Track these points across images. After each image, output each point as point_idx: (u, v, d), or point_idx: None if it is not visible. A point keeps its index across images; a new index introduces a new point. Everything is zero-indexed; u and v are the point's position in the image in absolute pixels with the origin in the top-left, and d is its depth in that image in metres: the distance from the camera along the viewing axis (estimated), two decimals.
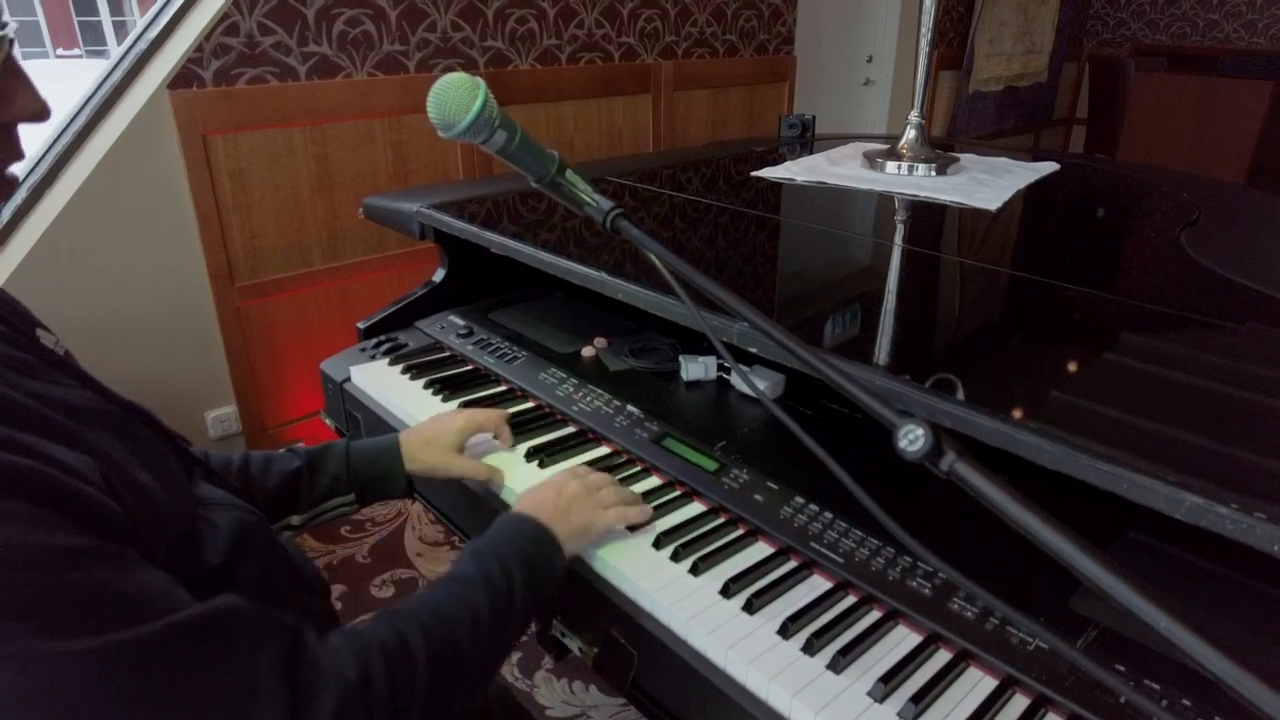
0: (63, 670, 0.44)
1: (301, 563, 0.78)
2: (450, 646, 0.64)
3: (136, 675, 0.47)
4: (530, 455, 0.99)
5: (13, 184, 0.59)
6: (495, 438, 1.01)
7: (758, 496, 0.88)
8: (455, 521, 1.10)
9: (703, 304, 0.75)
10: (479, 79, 0.63)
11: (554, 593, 0.78)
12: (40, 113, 0.56)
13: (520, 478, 0.96)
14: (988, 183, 1.57)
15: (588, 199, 0.69)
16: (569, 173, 0.70)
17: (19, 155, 0.58)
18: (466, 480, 0.97)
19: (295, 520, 0.91)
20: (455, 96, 0.63)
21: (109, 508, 0.50)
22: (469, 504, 1.02)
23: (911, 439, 0.41)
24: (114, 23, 17.41)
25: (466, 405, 1.10)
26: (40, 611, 0.44)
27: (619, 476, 0.94)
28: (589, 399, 1.08)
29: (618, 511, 0.84)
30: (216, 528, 0.66)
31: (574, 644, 0.85)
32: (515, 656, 1.73)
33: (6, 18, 0.54)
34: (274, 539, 0.74)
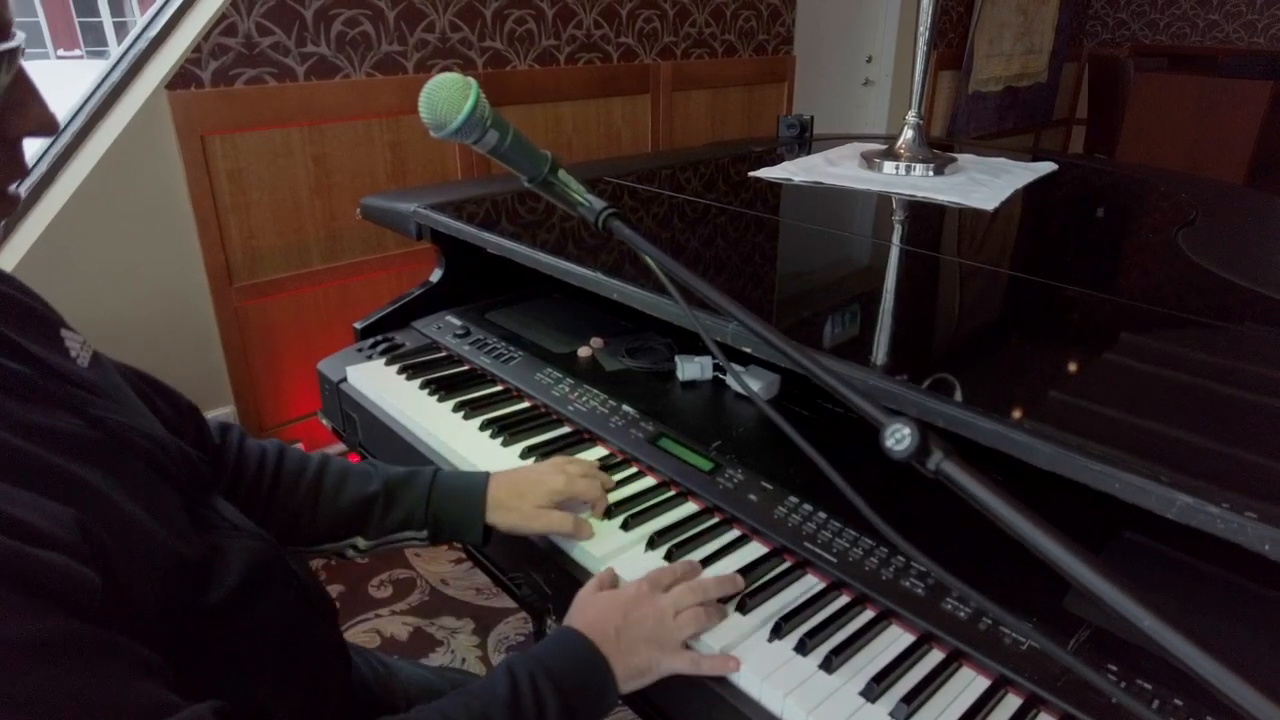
0: None
1: (314, 591, 0.75)
2: None
3: None
4: (526, 454, 0.99)
5: (14, 201, 0.56)
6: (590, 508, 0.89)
7: (752, 497, 0.88)
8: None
9: (696, 304, 0.75)
10: (470, 79, 0.64)
11: None
12: (49, 126, 0.54)
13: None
14: (985, 183, 1.57)
15: (580, 199, 0.69)
16: (562, 172, 0.70)
17: (24, 172, 0.56)
18: (549, 534, 0.87)
19: (360, 544, 0.86)
20: (446, 96, 0.63)
21: (82, 579, 0.46)
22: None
23: (898, 438, 0.41)
24: (115, 24, 17.43)
25: (463, 405, 1.10)
26: (7, 714, 0.41)
27: (615, 477, 0.95)
28: (585, 399, 1.08)
29: (690, 658, 0.70)
30: (228, 558, 0.62)
31: None
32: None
33: (15, 29, 0.51)
34: (288, 568, 0.70)
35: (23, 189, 0.57)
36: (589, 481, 0.88)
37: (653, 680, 0.71)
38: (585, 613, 0.73)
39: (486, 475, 0.89)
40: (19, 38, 0.52)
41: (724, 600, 0.75)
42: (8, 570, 0.43)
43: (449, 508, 0.86)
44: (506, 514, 0.86)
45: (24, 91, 0.53)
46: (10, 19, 0.51)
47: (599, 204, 0.68)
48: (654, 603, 0.72)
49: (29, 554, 0.44)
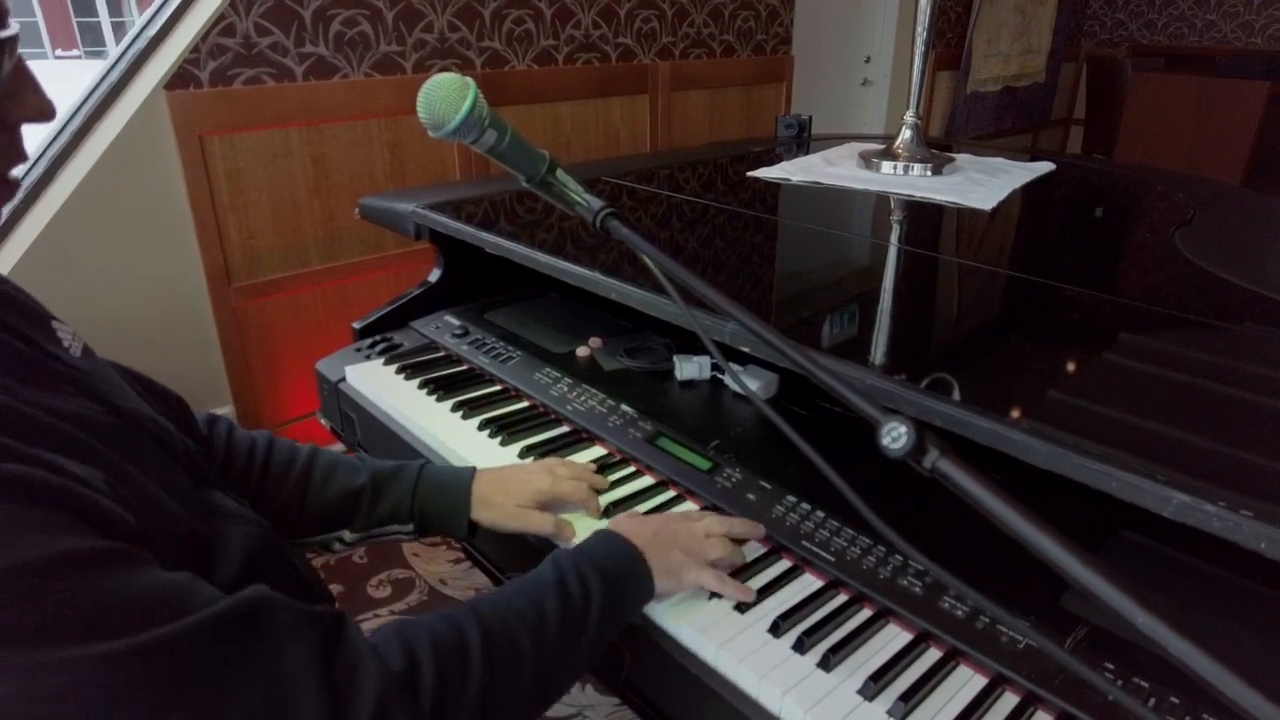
0: (99, 672, 0.44)
1: (310, 579, 0.76)
2: (510, 651, 0.60)
3: (172, 673, 0.46)
4: (524, 454, 0.99)
5: (15, 186, 0.58)
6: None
7: (750, 496, 0.88)
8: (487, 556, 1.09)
9: (694, 303, 0.75)
10: (468, 79, 0.64)
11: (631, 618, 0.73)
12: (45, 112, 0.56)
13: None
14: (983, 182, 1.57)
15: (578, 199, 0.69)
16: (560, 172, 0.70)
17: (22, 157, 0.58)
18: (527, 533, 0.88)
19: (347, 536, 0.87)
20: (444, 96, 0.63)
21: (122, 517, 0.50)
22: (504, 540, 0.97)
23: (894, 436, 0.41)
24: (113, 24, 17.42)
25: (462, 404, 1.10)
26: (70, 617, 0.44)
27: (612, 476, 0.95)
28: (583, 398, 1.08)
29: (717, 574, 0.75)
30: (228, 541, 0.64)
31: None
32: None
33: (11, 20, 0.53)
34: (285, 555, 0.72)
35: (26, 180, 0.58)
36: (576, 484, 0.88)
37: (681, 588, 0.75)
38: (622, 523, 0.79)
39: (473, 470, 0.90)
40: (14, 27, 0.53)
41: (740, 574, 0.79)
42: (60, 498, 0.47)
43: (435, 501, 0.88)
44: (490, 510, 0.87)
45: (21, 79, 0.54)
46: (6, 8, 0.53)
47: (597, 203, 0.68)
48: (687, 523, 0.79)
49: (78, 490, 0.48)
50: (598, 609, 0.67)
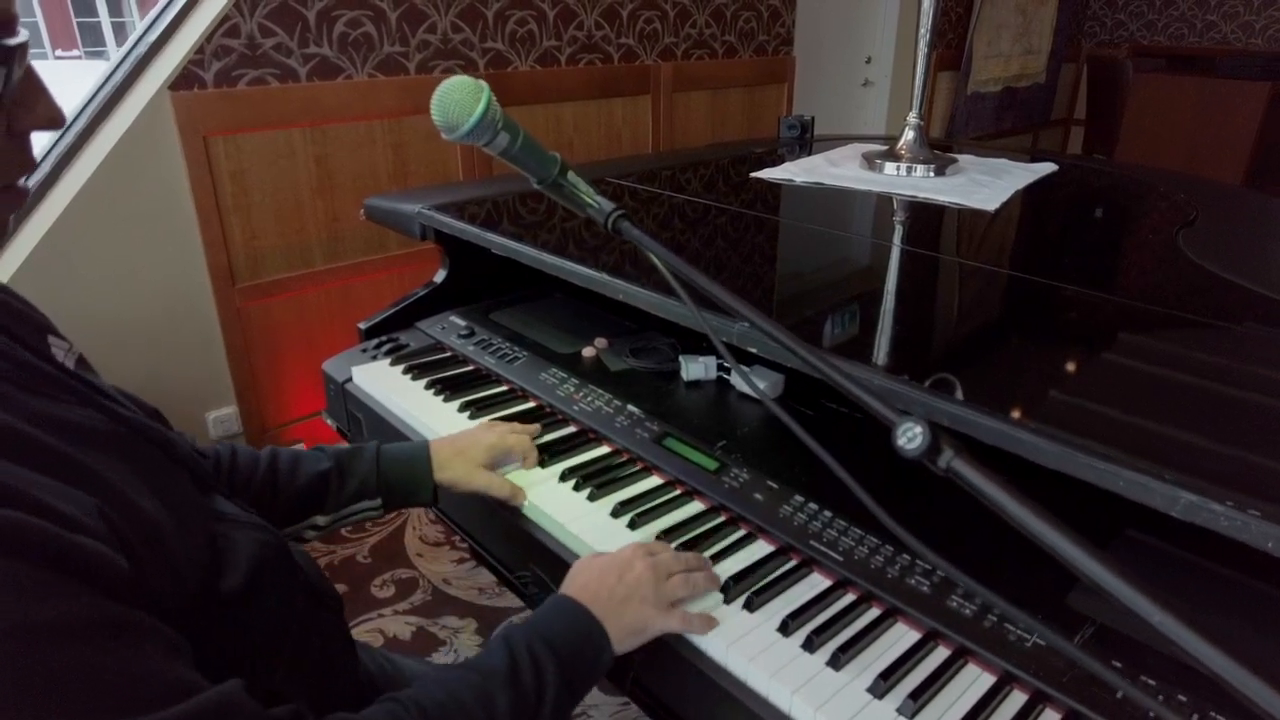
0: None
1: (318, 581, 0.76)
2: None
3: None
4: None
5: (24, 194, 0.57)
6: (521, 461, 0.98)
7: (758, 495, 0.88)
8: (470, 533, 1.10)
9: (703, 304, 0.76)
10: (482, 82, 0.64)
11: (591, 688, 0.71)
12: (55, 120, 0.55)
13: (519, 474, 0.96)
14: (986, 183, 1.57)
15: (589, 200, 0.70)
16: (571, 174, 0.70)
17: (32, 165, 0.57)
18: (489, 496, 0.93)
19: (320, 520, 0.90)
20: (459, 99, 0.63)
21: (109, 561, 0.47)
22: (487, 518, 1.01)
23: (910, 437, 0.42)
24: (113, 24, 17.41)
25: (469, 405, 1.11)
26: (40, 691, 0.42)
27: (619, 475, 0.95)
28: (589, 399, 1.09)
29: (682, 617, 0.73)
30: (236, 548, 0.63)
31: None
32: None
33: (20, 26, 0.53)
34: (292, 560, 0.71)
35: (31, 183, 0.58)
36: (518, 437, 0.97)
37: (647, 639, 0.73)
38: (577, 579, 0.76)
39: (426, 441, 0.95)
40: (24, 34, 0.53)
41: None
42: (42, 551, 0.44)
43: (399, 473, 0.92)
44: (448, 471, 0.92)
45: (31, 87, 0.54)
46: (15, 15, 0.52)
47: (608, 206, 0.69)
48: (646, 564, 0.75)
49: (63, 536, 0.45)
50: (553, 695, 0.65)
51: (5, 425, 0.49)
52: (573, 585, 0.75)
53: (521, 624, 0.70)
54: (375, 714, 0.59)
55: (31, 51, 0.55)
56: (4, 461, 0.46)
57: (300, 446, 0.96)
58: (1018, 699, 0.66)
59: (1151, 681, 0.63)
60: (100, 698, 0.43)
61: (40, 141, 1.83)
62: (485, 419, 1.09)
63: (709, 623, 0.74)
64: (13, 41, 0.51)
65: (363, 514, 0.92)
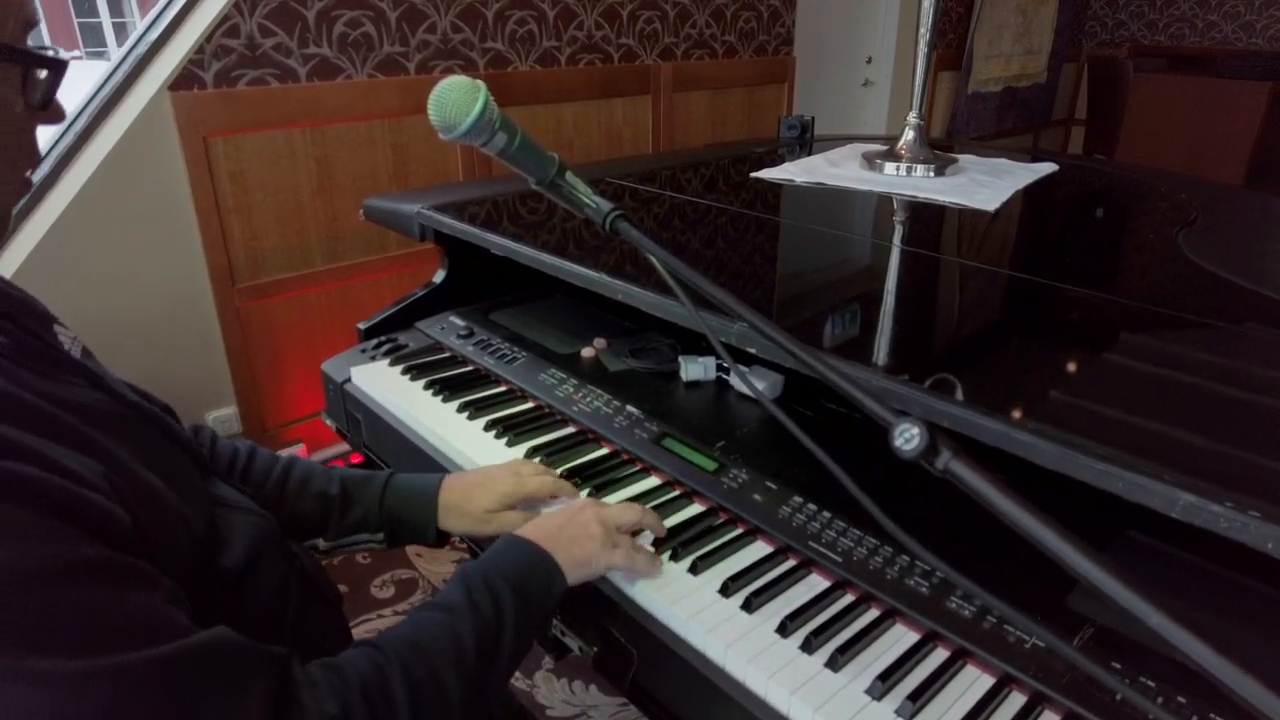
0: (65, 689, 0.44)
1: (315, 572, 0.77)
2: (432, 680, 0.62)
3: (138, 699, 0.46)
4: (530, 454, 1.00)
5: (28, 185, 0.60)
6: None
7: (757, 496, 0.88)
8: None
9: (701, 305, 0.76)
10: (480, 81, 0.64)
11: (551, 618, 0.75)
12: (57, 115, 0.59)
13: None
14: (986, 184, 1.57)
15: (587, 200, 0.70)
16: (569, 174, 0.70)
17: (39, 158, 0.60)
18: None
19: (321, 545, 0.89)
20: (456, 99, 0.63)
21: (115, 515, 0.50)
22: None
23: (907, 438, 0.41)
24: (114, 24, 17.42)
25: (468, 405, 1.11)
26: (44, 630, 0.44)
27: (618, 476, 0.95)
28: (589, 399, 1.09)
29: (625, 553, 0.78)
30: (234, 531, 0.66)
31: (574, 643, 0.85)
32: None
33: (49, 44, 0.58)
34: (287, 546, 0.73)
35: (36, 175, 0.62)
36: (541, 480, 0.90)
37: (594, 573, 0.77)
38: (532, 523, 0.80)
39: (441, 477, 0.91)
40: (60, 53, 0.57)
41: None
42: (49, 501, 0.47)
43: (402, 510, 0.89)
44: (457, 519, 0.88)
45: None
46: (31, 17, 0.56)
47: (606, 205, 0.69)
48: (593, 511, 0.80)
49: (70, 489, 0.48)
50: (512, 619, 0.68)
51: (17, 397, 0.51)
52: (526, 528, 0.78)
53: (478, 563, 0.72)
54: (353, 657, 0.61)
55: None
56: (16, 429, 0.48)
57: (319, 461, 0.94)
58: (1017, 700, 0.66)
59: (1151, 683, 0.63)
60: (99, 634, 0.46)
61: (40, 140, 1.82)
62: (453, 404, 1.09)
63: (654, 563, 0.79)
64: (64, 56, 0.55)
65: (366, 545, 0.90)
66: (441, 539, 0.90)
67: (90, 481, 0.50)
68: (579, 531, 0.77)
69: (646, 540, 0.84)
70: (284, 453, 0.93)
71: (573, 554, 0.76)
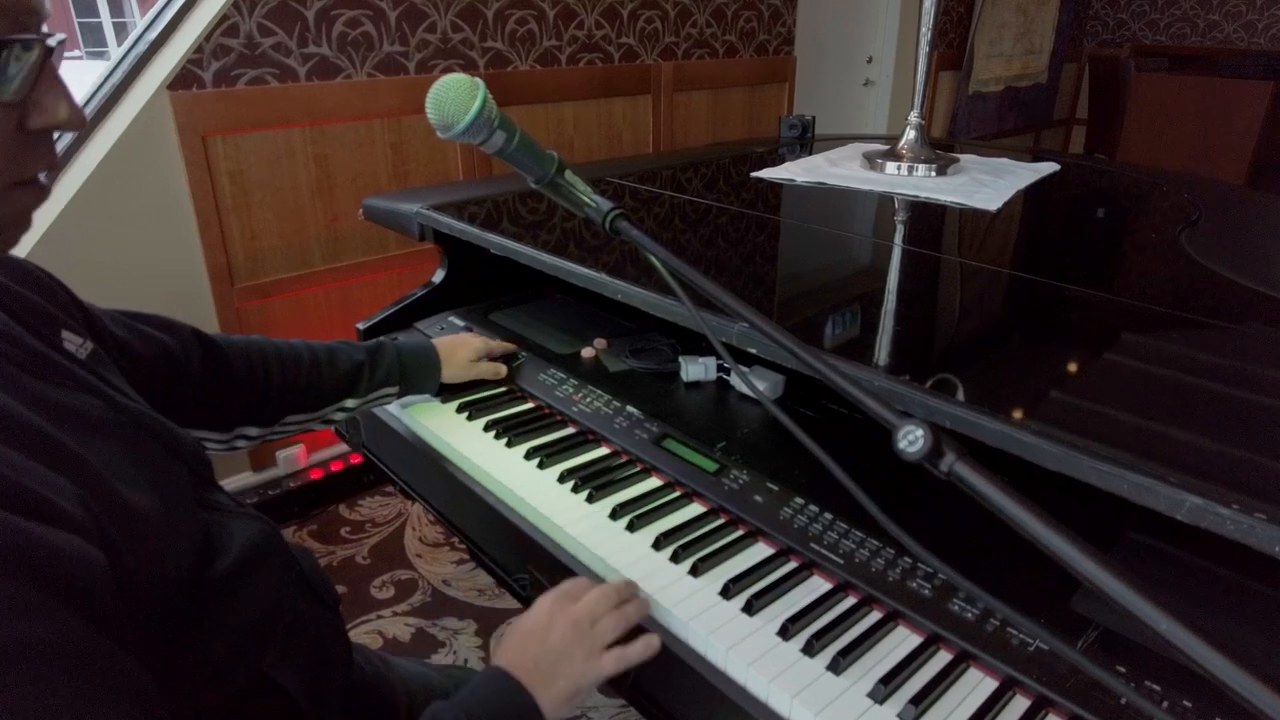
0: None
1: (314, 575, 0.76)
2: None
3: None
4: (530, 455, 0.99)
5: (44, 190, 0.58)
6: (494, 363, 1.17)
7: (758, 497, 0.87)
8: (469, 534, 1.09)
9: (702, 305, 0.75)
10: (478, 80, 0.63)
11: None
12: (74, 120, 0.55)
13: (518, 475, 0.95)
14: (988, 183, 1.57)
15: (587, 200, 0.69)
16: (568, 173, 0.69)
17: (55, 162, 0.58)
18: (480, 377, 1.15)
19: (350, 404, 1.04)
20: (454, 97, 0.63)
21: (94, 561, 0.46)
22: (486, 520, 1.00)
23: (911, 440, 0.41)
24: (114, 24, 17.43)
25: (466, 406, 1.10)
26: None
27: (618, 477, 0.94)
28: (589, 400, 1.08)
29: (616, 655, 0.71)
30: (230, 535, 0.65)
31: None
32: None
33: (47, 27, 0.53)
34: (285, 551, 0.72)
35: (49, 180, 0.59)
36: (500, 344, 1.19)
37: (588, 693, 0.71)
38: (506, 647, 0.73)
39: (432, 341, 1.14)
40: (49, 34, 0.52)
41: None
42: (17, 558, 0.42)
43: (415, 366, 1.10)
44: (449, 367, 1.12)
45: (47, 85, 0.54)
46: (39, 10, 0.52)
47: (606, 205, 0.68)
48: (567, 618, 0.72)
49: (41, 538, 0.44)
50: None
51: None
52: (502, 654, 0.72)
53: (451, 701, 0.67)
54: None
55: None
56: None
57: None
58: (1020, 704, 0.65)
59: (1156, 687, 0.62)
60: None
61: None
62: (452, 405, 1.12)
63: (648, 648, 0.72)
64: (25, 37, 0.50)
65: (382, 398, 1.08)
66: (439, 389, 1.12)
67: (67, 515, 0.46)
68: (558, 657, 0.70)
69: (653, 575, 0.80)
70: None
71: (557, 690, 0.69)
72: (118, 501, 0.53)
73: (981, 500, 0.39)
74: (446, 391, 1.14)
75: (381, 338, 1.11)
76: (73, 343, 0.64)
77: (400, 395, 1.09)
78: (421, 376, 1.10)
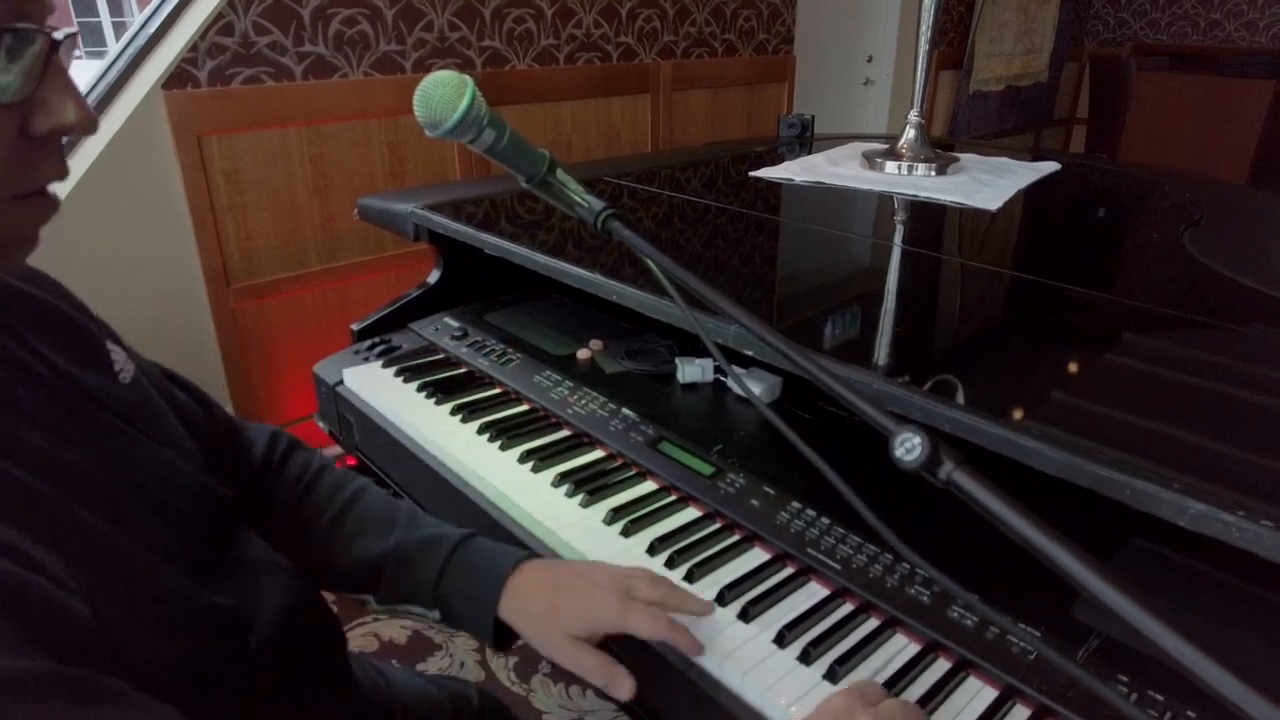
0: None
1: (324, 625, 0.73)
2: None
3: None
4: (524, 458, 0.98)
5: (52, 203, 0.51)
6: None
7: (754, 502, 0.86)
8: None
9: (696, 306, 0.74)
10: (466, 76, 0.62)
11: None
12: (83, 124, 0.49)
13: (512, 478, 0.94)
14: (988, 183, 1.55)
15: (579, 199, 0.68)
16: (560, 172, 0.68)
17: (63, 171, 0.51)
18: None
19: (373, 604, 0.77)
20: (442, 95, 0.61)
21: (77, 613, 0.44)
22: (482, 529, 1.00)
23: (908, 448, 0.40)
24: (114, 24, 17.43)
25: (461, 408, 1.09)
26: None
27: (613, 480, 0.93)
28: (584, 402, 1.07)
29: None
30: (260, 601, 0.60)
31: None
32: (512, 660, 1.72)
33: (52, 21, 0.47)
34: (320, 607, 0.69)
35: (58, 191, 0.52)
36: (654, 621, 0.66)
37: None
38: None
39: (521, 556, 0.73)
40: (60, 32, 0.47)
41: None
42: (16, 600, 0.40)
43: (459, 592, 0.72)
44: (531, 625, 0.69)
45: (53, 85, 0.48)
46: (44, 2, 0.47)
47: (598, 204, 0.67)
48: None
49: (25, 577, 0.42)
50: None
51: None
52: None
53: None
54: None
55: None
56: None
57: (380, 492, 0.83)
58: (1020, 714, 0.64)
59: (1160, 697, 0.61)
60: None
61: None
62: (446, 407, 1.04)
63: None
64: (24, 26, 0.45)
65: (419, 618, 0.76)
66: (501, 640, 0.71)
67: (49, 571, 0.43)
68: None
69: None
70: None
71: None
72: (111, 563, 0.49)
73: (981, 511, 0.38)
74: (440, 394, 1.13)
75: (458, 532, 0.77)
76: (119, 356, 0.60)
77: (449, 625, 0.75)
78: (466, 617, 0.72)
